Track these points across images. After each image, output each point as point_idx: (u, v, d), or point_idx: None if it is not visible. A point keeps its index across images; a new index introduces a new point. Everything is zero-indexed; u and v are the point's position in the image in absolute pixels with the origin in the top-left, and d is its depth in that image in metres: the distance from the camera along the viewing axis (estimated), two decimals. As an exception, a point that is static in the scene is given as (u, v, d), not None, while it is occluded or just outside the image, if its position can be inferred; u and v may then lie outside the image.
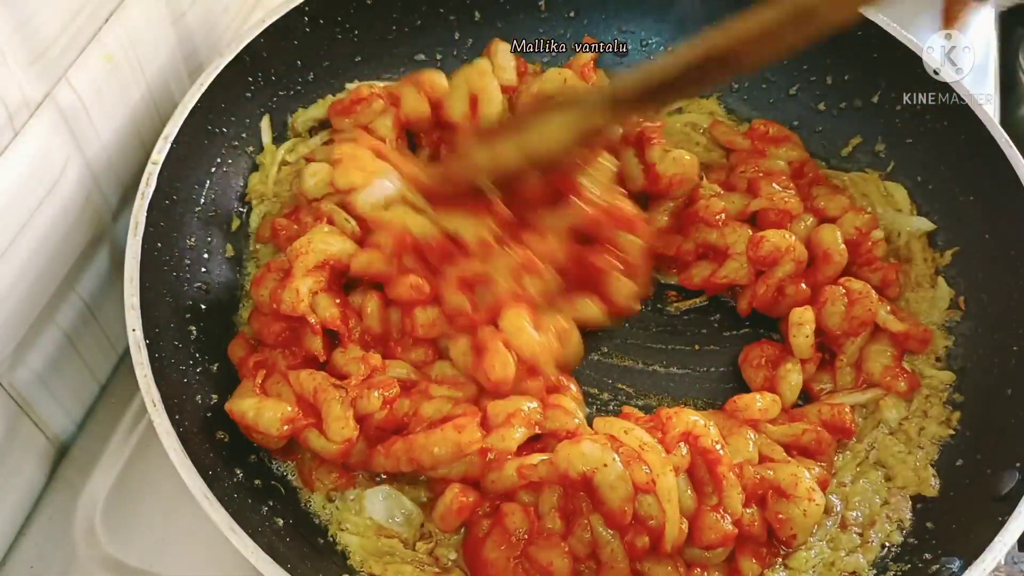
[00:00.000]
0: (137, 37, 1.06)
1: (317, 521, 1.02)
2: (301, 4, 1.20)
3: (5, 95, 0.87)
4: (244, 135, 1.22)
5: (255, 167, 1.24)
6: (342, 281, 1.12)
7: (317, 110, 1.30)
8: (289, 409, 0.98)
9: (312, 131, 1.30)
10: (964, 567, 0.89)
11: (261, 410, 0.98)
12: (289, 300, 1.04)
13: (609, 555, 0.93)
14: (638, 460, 0.94)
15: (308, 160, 1.26)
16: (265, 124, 1.25)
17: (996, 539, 0.89)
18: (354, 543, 0.99)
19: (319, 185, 1.18)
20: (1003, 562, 1.07)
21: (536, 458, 0.98)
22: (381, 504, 1.01)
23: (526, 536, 0.95)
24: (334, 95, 1.31)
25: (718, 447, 0.97)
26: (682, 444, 0.97)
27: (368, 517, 1.01)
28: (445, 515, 0.98)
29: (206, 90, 1.10)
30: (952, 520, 1.00)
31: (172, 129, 1.06)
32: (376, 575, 0.96)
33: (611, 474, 0.93)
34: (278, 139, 1.27)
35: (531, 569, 0.94)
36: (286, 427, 0.98)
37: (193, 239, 1.12)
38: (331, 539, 1.00)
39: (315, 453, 1.01)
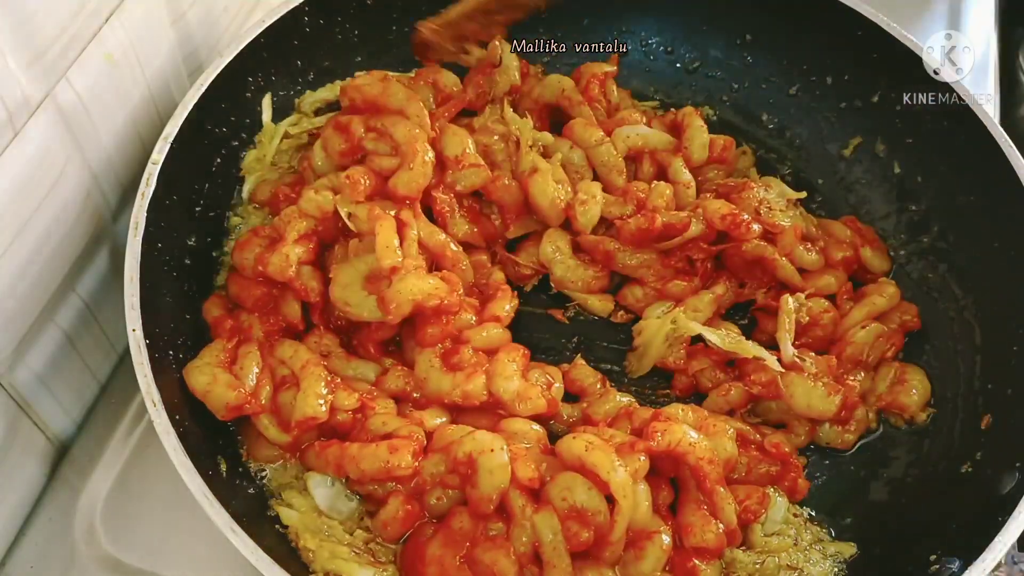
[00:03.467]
0: (137, 37, 1.06)
1: (262, 488, 1.01)
2: (301, 4, 1.20)
3: (5, 95, 0.86)
4: (244, 135, 1.22)
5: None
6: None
7: (325, 92, 1.30)
8: (234, 396, 0.98)
9: (318, 112, 1.30)
10: (964, 567, 0.89)
11: (212, 388, 0.99)
12: (278, 264, 1.05)
13: (551, 552, 0.92)
14: (537, 456, 0.97)
15: (313, 136, 1.25)
16: (266, 102, 1.24)
17: (996, 539, 0.89)
18: (293, 517, 0.98)
19: (328, 162, 1.18)
20: (1003, 562, 1.07)
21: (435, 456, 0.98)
22: (325, 492, 1.00)
23: (470, 540, 0.94)
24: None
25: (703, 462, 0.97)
26: (642, 456, 0.96)
27: (311, 498, 1.00)
28: (389, 523, 0.97)
29: (206, 90, 1.10)
30: (952, 520, 1.00)
31: (172, 129, 1.06)
32: (311, 549, 0.95)
33: (494, 460, 0.93)
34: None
35: (476, 571, 0.93)
36: (230, 414, 0.99)
37: (193, 239, 1.12)
38: (271, 512, 0.99)
39: (265, 437, 1.01)
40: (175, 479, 0.86)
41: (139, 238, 0.99)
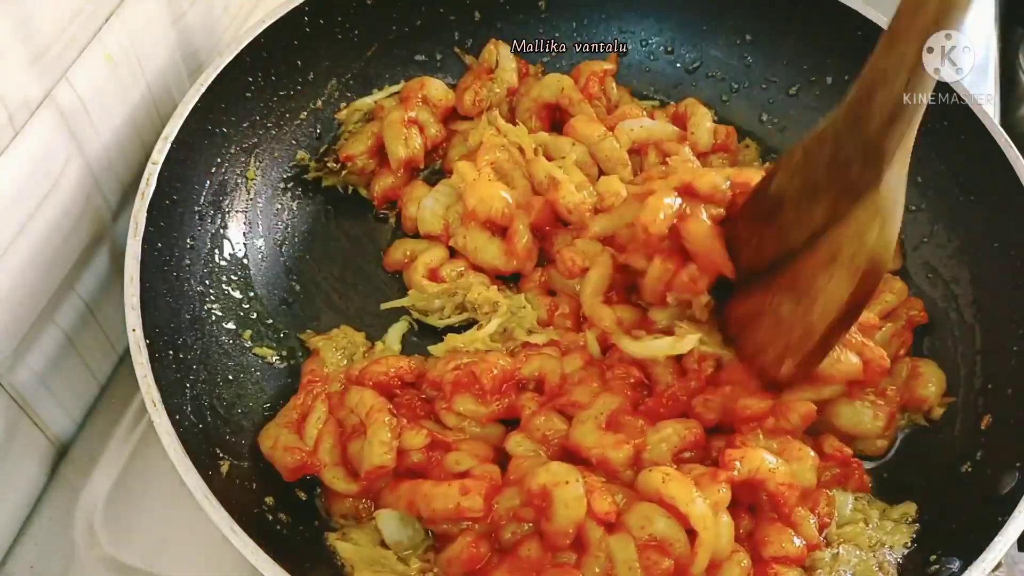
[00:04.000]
0: (137, 37, 1.06)
1: (317, 524, 1.02)
2: (301, 4, 1.20)
3: (5, 95, 0.87)
4: (244, 135, 1.22)
5: (257, 165, 1.24)
6: None
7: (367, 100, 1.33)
8: (291, 459, 1.00)
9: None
10: (964, 567, 0.89)
11: (274, 452, 1.01)
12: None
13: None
14: (613, 487, 0.94)
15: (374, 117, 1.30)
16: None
17: (996, 539, 0.89)
18: (347, 549, 0.97)
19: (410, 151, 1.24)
20: (1003, 562, 1.07)
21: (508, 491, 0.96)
22: (394, 523, 0.98)
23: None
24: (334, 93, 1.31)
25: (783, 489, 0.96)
26: (724, 487, 0.93)
27: (374, 529, 0.99)
28: (452, 562, 0.94)
29: (206, 90, 1.10)
30: (952, 520, 1.00)
31: (172, 129, 1.06)
32: None
33: (569, 492, 0.90)
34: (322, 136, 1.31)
35: None
36: (294, 475, 1.01)
37: (193, 239, 1.12)
38: (324, 542, 0.99)
39: (334, 491, 1.01)
40: (175, 479, 0.86)
41: (139, 238, 0.99)
